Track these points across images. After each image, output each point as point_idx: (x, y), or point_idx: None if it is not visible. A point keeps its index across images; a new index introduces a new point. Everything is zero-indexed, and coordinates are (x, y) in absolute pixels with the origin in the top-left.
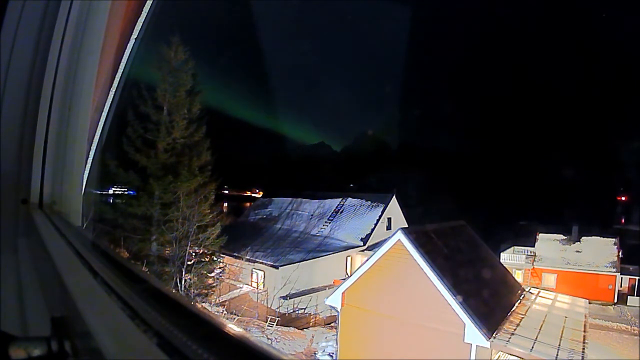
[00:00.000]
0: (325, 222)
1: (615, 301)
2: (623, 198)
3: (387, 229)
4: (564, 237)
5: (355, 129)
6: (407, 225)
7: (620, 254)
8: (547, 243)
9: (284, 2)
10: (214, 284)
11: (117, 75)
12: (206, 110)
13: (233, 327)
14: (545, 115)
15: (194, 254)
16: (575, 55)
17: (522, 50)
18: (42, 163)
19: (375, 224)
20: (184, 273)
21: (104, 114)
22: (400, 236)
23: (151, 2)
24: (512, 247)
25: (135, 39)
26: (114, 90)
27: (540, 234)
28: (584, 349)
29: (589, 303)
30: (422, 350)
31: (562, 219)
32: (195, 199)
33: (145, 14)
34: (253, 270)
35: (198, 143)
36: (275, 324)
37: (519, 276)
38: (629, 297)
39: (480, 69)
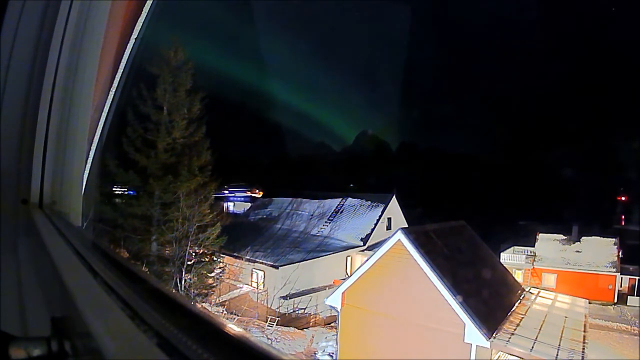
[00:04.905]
0: (325, 222)
1: (615, 301)
2: (623, 198)
3: (387, 229)
4: (564, 237)
5: (355, 129)
6: (407, 225)
7: (620, 254)
8: (547, 243)
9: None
10: (214, 284)
11: (117, 75)
12: (206, 109)
13: (233, 327)
14: (545, 115)
15: (194, 254)
16: (575, 54)
17: (523, 50)
18: (42, 163)
19: (375, 224)
20: (184, 273)
21: (104, 114)
22: (400, 236)
23: (151, 2)
24: (512, 247)
25: (135, 39)
26: (114, 90)
27: (540, 234)
28: (584, 349)
29: (589, 303)
30: (422, 350)
31: (562, 219)
32: (195, 199)
33: (145, 14)
34: (253, 270)
35: (198, 143)
36: (275, 324)
37: (519, 276)
38: (629, 297)
39: (481, 69)
